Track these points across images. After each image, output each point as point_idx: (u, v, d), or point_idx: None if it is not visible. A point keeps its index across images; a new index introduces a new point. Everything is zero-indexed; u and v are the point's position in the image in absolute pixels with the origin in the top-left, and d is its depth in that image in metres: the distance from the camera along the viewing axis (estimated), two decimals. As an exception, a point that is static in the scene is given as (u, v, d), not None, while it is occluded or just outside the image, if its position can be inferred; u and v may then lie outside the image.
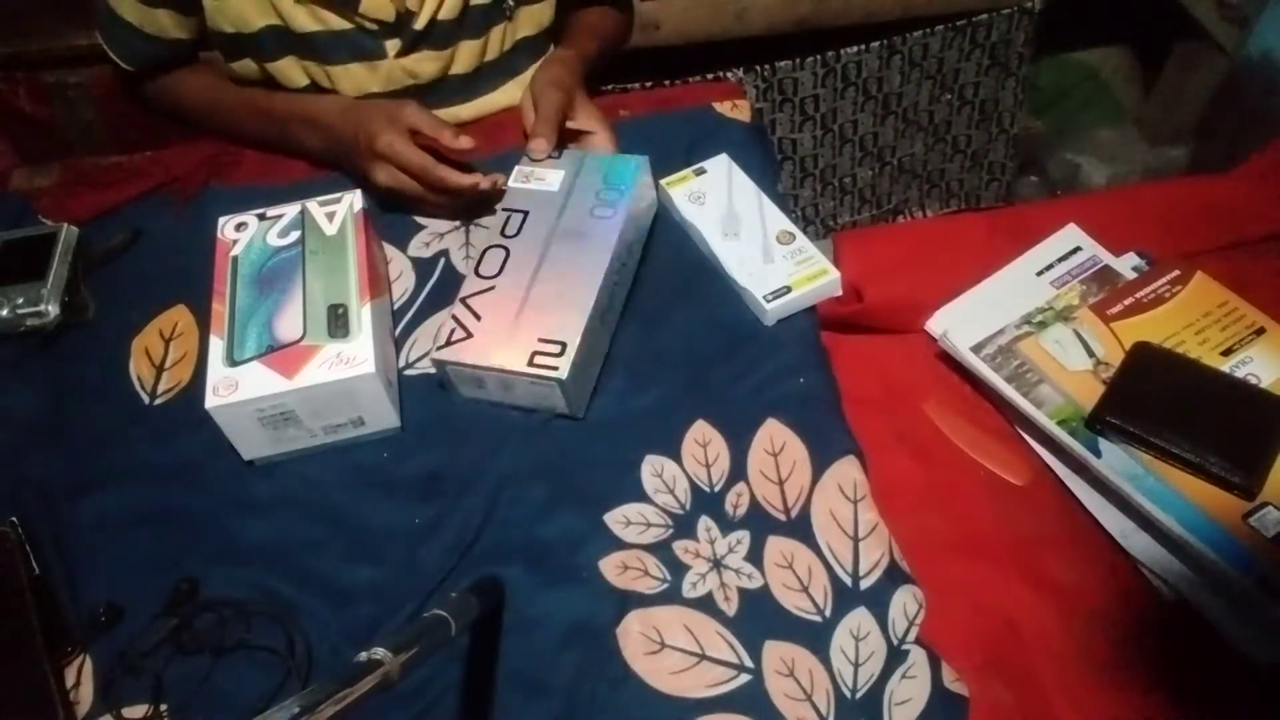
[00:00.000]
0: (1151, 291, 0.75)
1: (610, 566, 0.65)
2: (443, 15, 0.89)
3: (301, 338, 0.70)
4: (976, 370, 0.73)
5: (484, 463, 0.71)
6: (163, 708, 0.61)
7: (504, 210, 0.79)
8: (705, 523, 0.67)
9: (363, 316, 0.71)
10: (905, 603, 0.62)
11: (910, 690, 0.59)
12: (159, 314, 0.82)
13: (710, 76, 1.48)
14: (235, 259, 0.76)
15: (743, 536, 0.66)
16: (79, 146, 1.45)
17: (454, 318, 0.73)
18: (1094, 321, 0.74)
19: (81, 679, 0.63)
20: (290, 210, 0.79)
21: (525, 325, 0.71)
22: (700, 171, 0.87)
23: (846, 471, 0.68)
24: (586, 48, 0.95)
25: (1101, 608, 0.63)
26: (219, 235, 0.78)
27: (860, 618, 0.62)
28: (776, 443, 0.70)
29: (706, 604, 0.63)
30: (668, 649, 0.61)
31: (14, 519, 0.67)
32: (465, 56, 0.94)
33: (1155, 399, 0.67)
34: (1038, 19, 1.59)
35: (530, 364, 0.69)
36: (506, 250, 0.76)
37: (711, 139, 0.91)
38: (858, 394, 0.74)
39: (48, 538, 0.68)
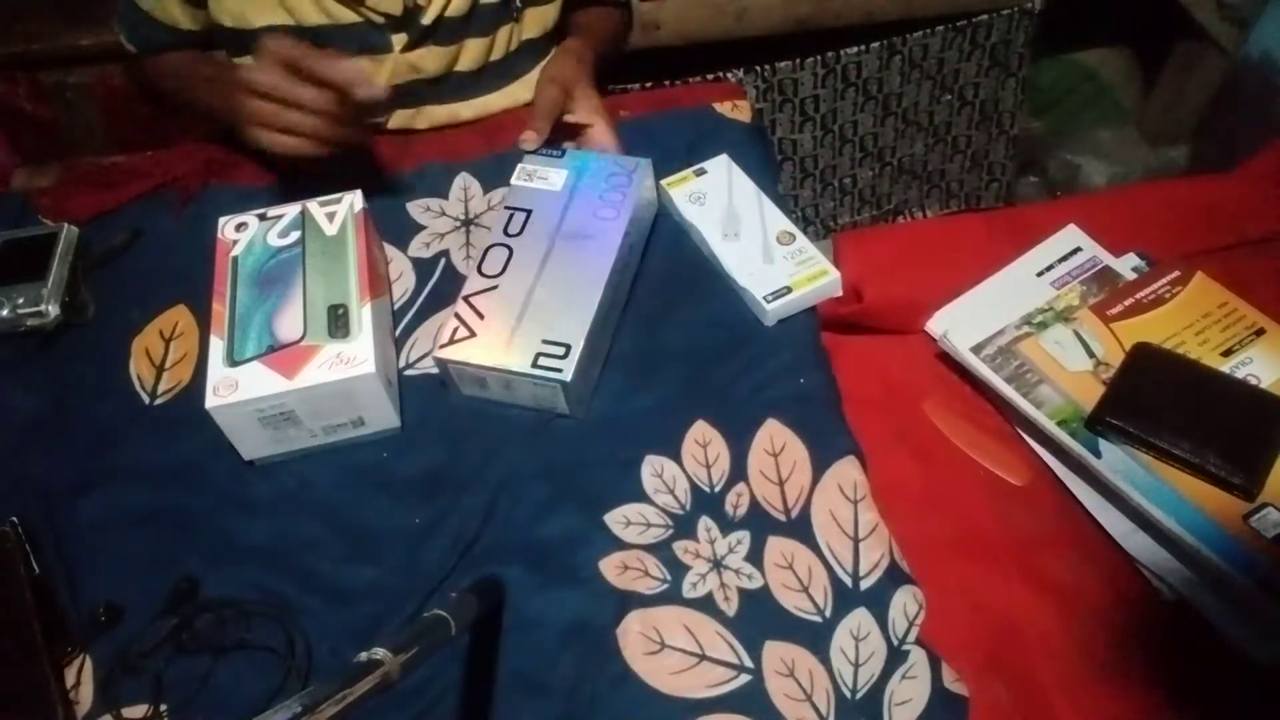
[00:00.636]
0: (1151, 292, 0.75)
1: (610, 566, 0.65)
2: (450, 12, 0.90)
3: (302, 338, 0.70)
4: (976, 371, 0.73)
5: (484, 463, 0.71)
6: (163, 708, 0.61)
7: (507, 209, 0.79)
8: (705, 523, 0.67)
9: (363, 317, 0.71)
10: (905, 603, 0.62)
11: (910, 690, 0.59)
12: (159, 314, 0.82)
13: (710, 77, 1.48)
14: (235, 259, 0.76)
15: (743, 537, 0.66)
16: (79, 146, 1.45)
17: (457, 316, 0.73)
18: (1094, 322, 0.74)
19: (81, 679, 0.62)
20: (290, 210, 0.79)
21: (529, 326, 0.71)
22: (700, 172, 0.87)
23: (846, 472, 0.68)
24: (591, 44, 0.96)
25: (1101, 608, 0.63)
26: (219, 235, 0.78)
27: (860, 618, 0.62)
28: (777, 443, 0.70)
29: (706, 604, 0.63)
30: (668, 649, 0.61)
31: (14, 519, 0.67)
32: (471, 54, 0.94)
33: (1155, 400, 0.67)
34: (1038, 19, 1.59)
35: (534, 365, 0.69)
36: (510, 249, 0.76)
37: (711, 139, 0.91)
38: (858, 394, 0.74)
39: (48, 538, 0.68)
